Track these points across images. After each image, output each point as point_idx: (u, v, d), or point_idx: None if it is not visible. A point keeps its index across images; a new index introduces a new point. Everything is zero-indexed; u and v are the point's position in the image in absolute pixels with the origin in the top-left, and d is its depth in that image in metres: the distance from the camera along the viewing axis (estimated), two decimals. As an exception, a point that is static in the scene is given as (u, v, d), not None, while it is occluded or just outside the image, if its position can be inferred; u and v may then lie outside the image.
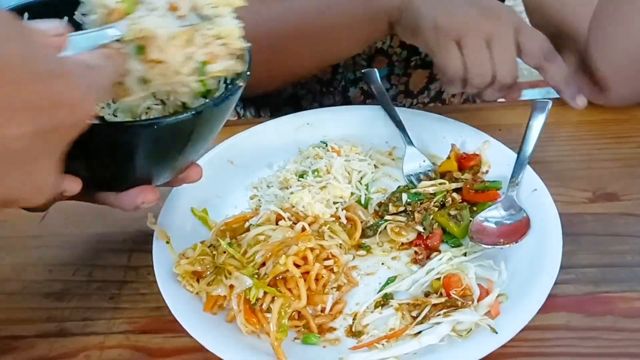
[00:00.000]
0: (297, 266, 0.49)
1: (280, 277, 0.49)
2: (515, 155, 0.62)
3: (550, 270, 0.50)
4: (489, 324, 0.46)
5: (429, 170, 0.64)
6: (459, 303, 0.48)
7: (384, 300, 0.51)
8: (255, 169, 0.67)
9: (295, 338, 0.49)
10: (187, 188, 0.62)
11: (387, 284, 0.52)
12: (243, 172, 0.66)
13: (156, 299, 0.53)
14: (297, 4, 0.71)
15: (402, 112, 0.71)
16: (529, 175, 0.60)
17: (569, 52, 0.72)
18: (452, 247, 0.56)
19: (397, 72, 0.83)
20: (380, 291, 0.52)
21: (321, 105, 0.84)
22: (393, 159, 0.67)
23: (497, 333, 0.45)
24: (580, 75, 0.71)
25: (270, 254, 0.50)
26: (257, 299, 0.48)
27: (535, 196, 0.58)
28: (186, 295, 0.51)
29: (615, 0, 0.64)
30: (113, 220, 0.63)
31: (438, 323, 0.47)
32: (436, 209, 0.58)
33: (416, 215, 0.57)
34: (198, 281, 0.51)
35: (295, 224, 0.54)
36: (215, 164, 0.66)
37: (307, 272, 0.49)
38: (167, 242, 0.55)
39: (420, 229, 0.56)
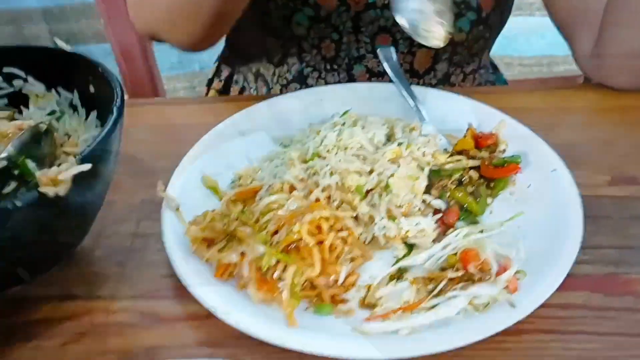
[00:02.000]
0: (311, 236, 0.48)
1: (293, 245, 0.48)
2: (531, 133, 0.61)
3: (570, 249, 0.49)
4: (507, 298, 0.45)
5: (445, 149, 0.63)
6: (477, 277, 0.46)
7: (399, 274, 0.50)
8: (266, 141, 0.66)
9: (306, 308, 0.48)
10: (197, 159, 0.62)
11: (402, 257, 0.51)
12: (254, 144, 0.65)
13: (164, 266, 0.52)
14: None
15: (417, 90, 0.70)
16: (548, 155, 0.59)
17: (586, 32, 0.71)
18: (469, 224, 0.54)
19: (402, 49, 0.82)
20: (395, 264, 0.50)
21: (326, 83, 0.83)
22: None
23: (514, 307, 0.44)
24: (595, 56, 0.70)
25: (283, 222, 0.48)
26: (269, 267, 0.47)
27: (555, 176, 0.56)
28: (195, 262, 0.50)
29: None
30: (119, 189, 0.62)
31: (455, 297, 0.45)
32: (453, 186, 0.57)
33: (433, 191, 0.56)
34: (208, 247, 0.50)
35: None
36: (226, 136, 0.65)
37: (321, 242, 0.48)
38: (177, 210, 0.54)
39: (438, 205, 0.55)
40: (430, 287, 0.47)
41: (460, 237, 0.51)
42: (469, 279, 0.46)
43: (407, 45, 0.81)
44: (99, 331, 0.48)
